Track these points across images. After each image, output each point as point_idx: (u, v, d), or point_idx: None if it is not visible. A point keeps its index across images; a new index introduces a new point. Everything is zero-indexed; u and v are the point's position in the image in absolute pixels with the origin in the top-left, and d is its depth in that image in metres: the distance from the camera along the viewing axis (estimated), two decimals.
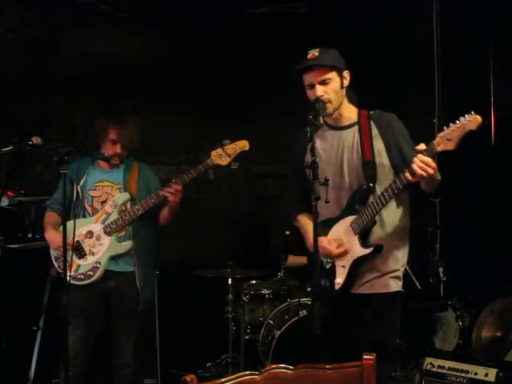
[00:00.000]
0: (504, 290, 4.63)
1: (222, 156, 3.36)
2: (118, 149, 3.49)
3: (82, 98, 4.94)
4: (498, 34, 4.99)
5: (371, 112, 2.80)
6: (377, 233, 2.71)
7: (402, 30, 5.06)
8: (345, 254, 2.72)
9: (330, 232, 2.77)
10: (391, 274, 2.76)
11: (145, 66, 5.17)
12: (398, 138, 2.73)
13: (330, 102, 2.68)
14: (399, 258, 2.80)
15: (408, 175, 2.47)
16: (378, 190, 2.67)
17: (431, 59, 5.27)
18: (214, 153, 3.37)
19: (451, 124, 2.44)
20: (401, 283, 2.82)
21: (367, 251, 2.68)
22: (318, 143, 2.74)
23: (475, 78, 5.14)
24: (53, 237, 3.48)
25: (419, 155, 2.44)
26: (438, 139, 2.45)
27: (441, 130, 2.48)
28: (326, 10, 5.23)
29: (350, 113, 2.80)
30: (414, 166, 2.43)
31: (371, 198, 2.68)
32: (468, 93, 5.08)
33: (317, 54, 2.67)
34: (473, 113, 2.40)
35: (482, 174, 4.84)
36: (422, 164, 2.42)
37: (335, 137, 2.78)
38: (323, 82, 2.68)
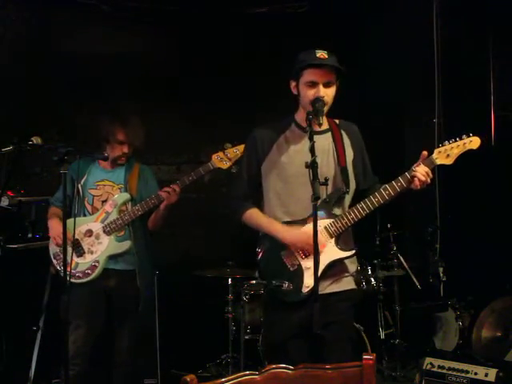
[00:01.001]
0: (504, 289, 4.63)
1: (222, 159, 3.37)
2: (125, 149, 3.51)
3: (82, 98, 4.94)
4: (498, 33, 4.99)
5: (336, 121, 2.86)
6: (344, 236, 2.76)
7: (402, 29, 5.06)
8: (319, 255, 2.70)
9: (300, 232, 2.72)
10: (353, 274, 2.85)
11: (145, 66, 5.17)
12: (362, 149, 2.87)
13: (326, 104, 2.70)
14: (356, 260, 2.88)
15: (417, 182, 2.60)
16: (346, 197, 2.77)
17: (431, 59, 5.27)
18: (214, 156, 3.38)
19: (449, 141, 2.65)
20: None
21: (348, 254, 2.73)
22: (292, 145, 2.77)
23: (475, 78, 5.14)
24: (55, 225, 3.49)
25: (422, 166, 2.62)
26: (436, 154, 2.66)
27: (439, 145, 2.67)
28: (326, 9, 5.23)
29: (323, 119, 2.81)
30: (419, 174, 2.59)
31: (347, 203, 2.76)
32: (468, 93, 5.08)
33: (326, 55, 2.69)
34: (471, 134, 2.64)
35: (481, 174, 4.84)
36: (425, 173, 2.60)
37: (304, 138, 2.75)
38: (327, 84, 2.69)
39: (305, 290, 2.67)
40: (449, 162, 2.66)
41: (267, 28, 5.28)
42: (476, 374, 3.76)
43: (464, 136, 2.64)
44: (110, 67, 5.04)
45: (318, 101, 2.63)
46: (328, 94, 2.69)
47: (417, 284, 4.82)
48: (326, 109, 2.69)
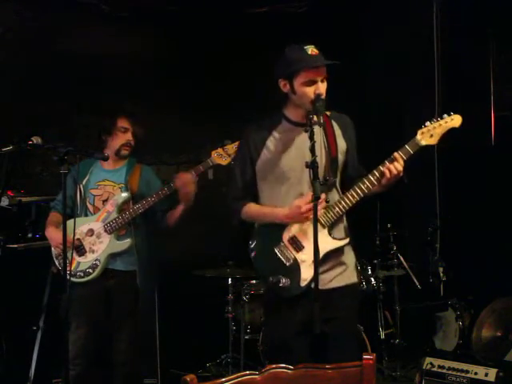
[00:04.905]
0: (504, 289, 4.63)
1: (222, 156, 3.39)
2: (129, 136, 3.53)
3: (81, 98, 4.94)
4: (498, 33, 4.99)
5: (328, 112, 2.85)
6: (339, 225, 2.78)
7: (402, 29, 5.06)
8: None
9: (293, 227, 2.72)
10: (353, 266, 2.84)
11: (144, 66, 5.16)
12: (353, 139, 2.88)
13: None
14: (353, 251, 2.87)
15: (387, 174, 2.64)
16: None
17: (431, 59, 5.27)
18: (214, 152, 3.41)
19: (430, 121, 2.70)
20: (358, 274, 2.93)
21: (342, 243, 2.73)
22: (283, 141, 2.76)
23: (475, 78, 5.14)
24: (53, 234, 3.50)
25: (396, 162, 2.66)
26: (419, 135, 2.70)
27: (422, 126, 2.72)
28: (326, 9, 5.23)
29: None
30: (391, 167, 2.65)
31: (334, 193, 2.77)
32: (468, 93, 5.08)
33: (316, 51, 2.69)
34: (452, 113, 2.69)
35: (482, 173, 4.84)
36: (394, 168, 2.65)
37: (297, 133, 2.75)
38: (323, 81, 2.70)
39: (303, 283, 2.66)
40: (433, 142, 2.70)
41: (267, 28, 5.27)
42: (476, 373, 3.76)
43: (445, 115, 2.70)
44: (110, 67, 5.03)
45: (318, 100, 2.62)
46: (324, 88, 2.70)
47: (417, 284, 4.82)
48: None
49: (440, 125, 2.69)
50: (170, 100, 5.15)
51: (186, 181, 3.37)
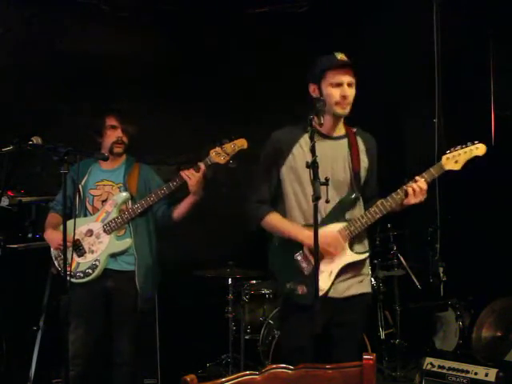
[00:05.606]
0: (504, 289, 4.63)
1: (220, 154, 3.39)
2: (119, 133, 3.54)
3: (81, 97, 4.94)
4: (498, 34, 4.99)
5: (354, 129, 2.91)
6: (359, 239, 2.82)
7: (402, 30, 5.06)
8: (333, 259, 2.74)
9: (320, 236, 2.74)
10: (368, 276, 2.90)
11: (145, 66, 5.16)
12: (375, 159, 2.91)
13: (349, 105, 2.76)
14: (368, 262, 2.94)
15: (411, 193, 2.69)
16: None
17: (431, 59, 5.26)
18: (212, 151, 3.41)
19: (457, 146, 2.74)
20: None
21: (362, 257, 2.79)
22: (305, 149, 2.76)
23: (475, 77, 5.14)
24: (52, 236, 3.49)
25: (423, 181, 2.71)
26: (444, 160, 2.73)
27: (444, 152, 2.77)
28: (326, 9, 5.23)
29: (341, 125, 2.87)
30: (415, 186, 2.70)
31: (357, 208, 2.81)
32: (468, 93, 5.08)
33: (345, 58, 2.74)
34: (476, 142, 2.73)
35: (481, 173, 4.83)
36: (418, 187, 2.71)
37: (326, 146, 2.78)
38: (350, 85, 2.75)
39: (320, 293, 2.65)
40: (457, 167, 2.74)
41: (267, 28, 5.27)
42: (476, 373, 3.76)
43: (469, 143, 2.74)
44: (110, 67, 5.03)
45: (319, 101, 2.65)
46: (352, 93, 2.75)
47: (417, 284, 4.82)
48: (348, 108, 2.75)
49: (465, 152, 2.74)
50: (170, 100, 5.15)
51: (190, 174, 3.37)
